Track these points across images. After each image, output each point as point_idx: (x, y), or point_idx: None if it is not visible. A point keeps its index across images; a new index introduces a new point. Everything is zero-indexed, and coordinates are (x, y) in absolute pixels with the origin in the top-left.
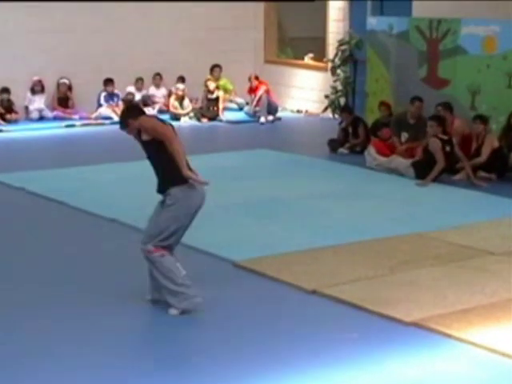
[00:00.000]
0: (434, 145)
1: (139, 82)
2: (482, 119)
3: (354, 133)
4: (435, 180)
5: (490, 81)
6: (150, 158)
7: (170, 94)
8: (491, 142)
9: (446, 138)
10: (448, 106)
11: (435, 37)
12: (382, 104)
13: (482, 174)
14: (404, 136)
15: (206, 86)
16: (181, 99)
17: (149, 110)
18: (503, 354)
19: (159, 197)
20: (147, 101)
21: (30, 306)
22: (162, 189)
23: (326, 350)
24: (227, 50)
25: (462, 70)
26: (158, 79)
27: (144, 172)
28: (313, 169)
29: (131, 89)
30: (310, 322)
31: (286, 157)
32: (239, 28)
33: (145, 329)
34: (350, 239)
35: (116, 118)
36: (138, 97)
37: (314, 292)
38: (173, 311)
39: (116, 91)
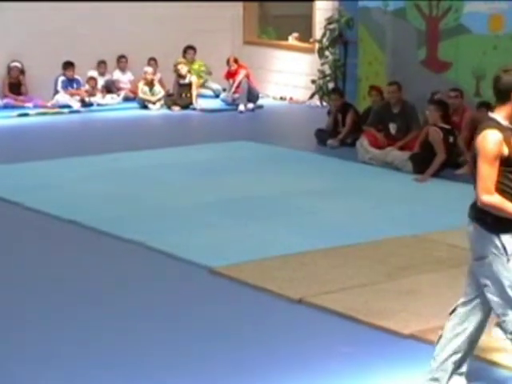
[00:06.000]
0: (435, 135)
1: (102, 66)
2: (488, 107)
3: (343, 121)
4: (435, 175)
5: (496, 64)
6: None
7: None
8: None
9: (448, 127)
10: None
11: (435, 14)
12: (373, 89)
13: None
14: (393, 128)
15: (177, 70)
16: (150, 84)
17: (113, 98)
18: (510, 369)
19: (129, 196)
20: (111, 87)
21: None
22: None
23: (315, 365)
24: (201, 29)
25: (465, 51)
26: (123, 62)
27: (107, 167)
28: (298, 163)
29: (93, 73)
30: (296, 335)
31: (269, 149)
32: (215, 5)
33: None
34: (340, 242)
35: (76, 106)
36: (100, 82)
37: (300, 301)
38: None
39: (76, 76)
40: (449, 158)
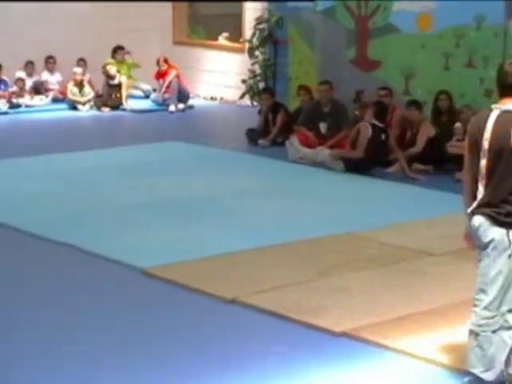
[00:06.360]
0: (364, 130)
1: (29, 67)
2: (417, 105)
3: (274, 120)
4: (355, 171)
5: (425, 62)
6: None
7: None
8: (427, 131)
9: (381, 125)
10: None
11: (364, 14)
12: (301, 88)
13: (418, 165)
14: (323, 127)
15: (106, 70)
16: (80, 85)
17: (41, 99)
18: (443, 366)
19: (60, 198)
20: (39, 88)
21: None
22: None
23: (247, 365)
24: (130, 29)
25: (394, 50)
26: (51, 63)
27: (37, 169)
28: (230, 163)
29: (21, 74)
30: (229, 335)
31: (200, 150)
32: (144, 5)
33: None
34: (273, 241)
35: (3, 108)
36: (28, 83)
37: (233, 301)
38: None
39: (3, 77)
40: (380, 156)
